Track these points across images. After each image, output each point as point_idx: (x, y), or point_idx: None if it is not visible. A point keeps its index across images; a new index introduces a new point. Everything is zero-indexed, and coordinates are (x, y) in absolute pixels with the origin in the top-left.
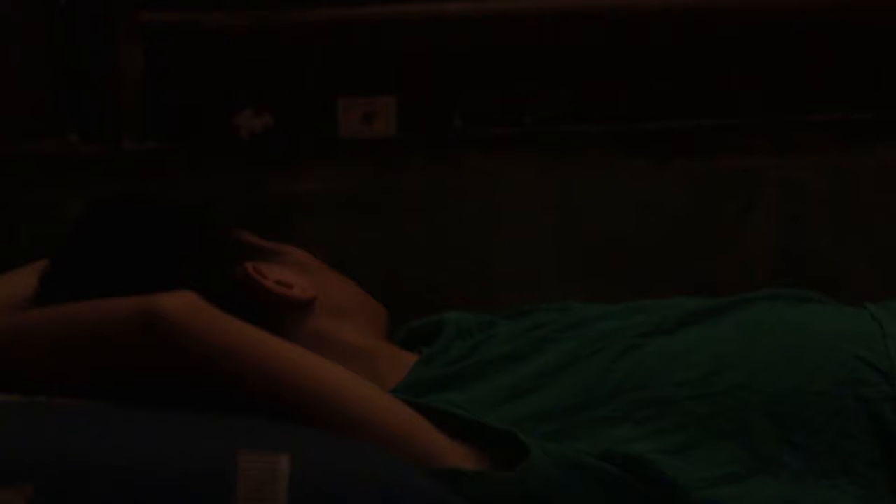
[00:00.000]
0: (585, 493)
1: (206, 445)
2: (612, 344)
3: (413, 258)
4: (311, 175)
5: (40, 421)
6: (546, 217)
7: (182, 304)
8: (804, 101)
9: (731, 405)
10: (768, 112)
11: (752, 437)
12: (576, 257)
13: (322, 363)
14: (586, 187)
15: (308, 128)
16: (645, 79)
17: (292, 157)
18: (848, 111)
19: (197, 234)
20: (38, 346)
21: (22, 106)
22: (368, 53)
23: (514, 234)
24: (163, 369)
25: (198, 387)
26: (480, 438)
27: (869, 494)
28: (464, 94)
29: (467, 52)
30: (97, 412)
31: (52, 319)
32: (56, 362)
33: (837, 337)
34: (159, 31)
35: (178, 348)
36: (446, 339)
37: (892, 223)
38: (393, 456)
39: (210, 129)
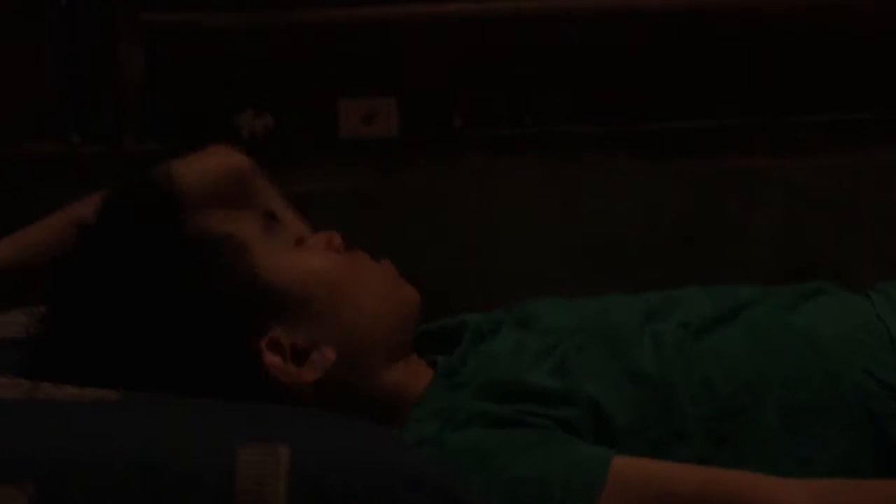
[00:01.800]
0: None
1: (205, 439)
2: None
3: (414, 258)
4: (311, 175)
5: (42, 418)
6: (547, 217)
7: None
8: (805, 102)
9: (748, 423)
10: (769, 113)
11: (771, 453)
12: (576, 257)
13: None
14: (587, 187)
15: (309, 128)
16: (645, 79)
17: (293, 157)
18: (848, 112)
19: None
20: None
21: (23, 106)
22: (369, 54)
23: (515, 235)
24: None
25: None
26: None
27: None
28: (464, 95)
29: (468, 53)
30: (98, 409)
31: None
32: None
33: (845, 348)
34: (160, 32)
35: None
36: (463, 351)
37: (892, 223)
38: (394, 442)
39: (211, 130)
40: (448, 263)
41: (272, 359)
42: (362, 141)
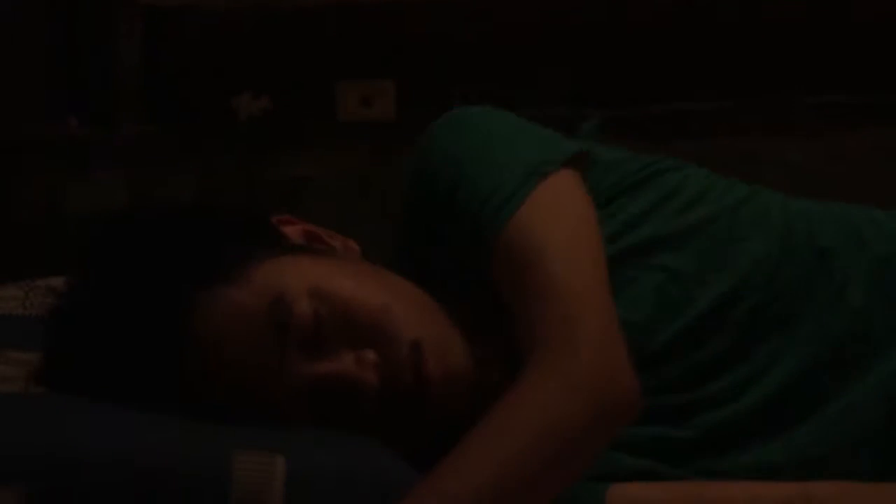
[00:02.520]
0: None
1: (201, 446)
2: None
3: None
4: (309, 158)
5: (33, 418)
6: None
7: None
8: (800, 84)
9: None
10: (765, 94)
11: None
12: None
13: None
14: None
15: (307, 111)
16: (642, 61)
17: (291, 140)
18: (843, 93)
19: None
20: None
21: (21, 91)
22: (368, 37)
23: None
24: None
25: None
26: None
27: None
28: (463, 77)
29: (467, 35)
30: (91, 410)
31: None
32: None
33: None
34: (158, 15)
35: None
36: None
37: (887, 202)
38: (390, 457)
39: (208, 113)
40: None
41: None
42: (360, 124)
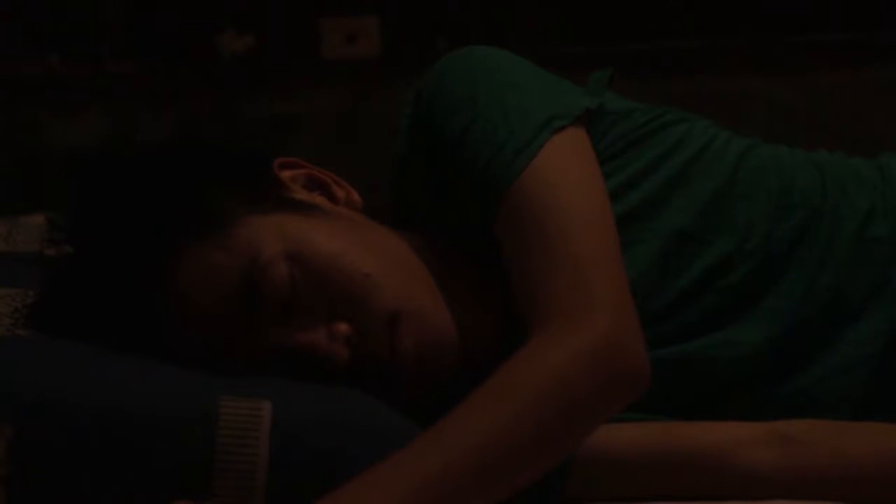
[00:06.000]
0: None
1: (187, 390)
2: None
3: None
4: (292, 96)
5: (18, 359)
6: None
7: None
8: (784, 22)
9: None
10: (749, 32)
11: None
12: None
13: None
14: None
15: (290, 49)
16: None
17: (274, 78)
18: (828, 32)
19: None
20: None
21: (2, 27)
22: None
23: None
24: None
25: None
26: None
27: None
28: (448, 14)
29: None
30: (76, 352)
31: None
32: None
33: None
34: None
35: None
36: None
37: (872, 141)
38: (376, 402)
39: (191, 50)
40: None
41: None
42: (344, 61)
